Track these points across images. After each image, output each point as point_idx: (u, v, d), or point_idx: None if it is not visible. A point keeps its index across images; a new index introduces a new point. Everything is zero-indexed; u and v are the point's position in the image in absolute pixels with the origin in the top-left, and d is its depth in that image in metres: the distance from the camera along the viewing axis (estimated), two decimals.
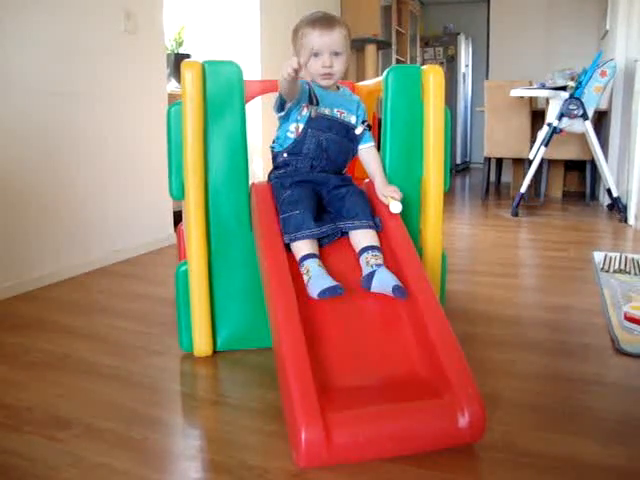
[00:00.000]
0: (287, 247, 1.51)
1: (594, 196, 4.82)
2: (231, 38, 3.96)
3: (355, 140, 1.71)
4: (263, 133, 4.00)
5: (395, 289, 1.38)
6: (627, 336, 1.78)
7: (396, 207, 1.56)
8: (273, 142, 1.73)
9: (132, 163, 2.93)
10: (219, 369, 1.63)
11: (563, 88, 4.09)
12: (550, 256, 2.96)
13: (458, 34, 7.59)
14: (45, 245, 2.47)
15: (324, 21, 1.60)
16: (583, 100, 3.94)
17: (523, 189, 4.14)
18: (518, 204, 4.11)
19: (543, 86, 4.32)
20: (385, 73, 1.70)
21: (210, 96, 1.57)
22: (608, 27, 4.98)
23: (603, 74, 3.95)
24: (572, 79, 4.14)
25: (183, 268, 1.65)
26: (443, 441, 1.16)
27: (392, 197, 1.58)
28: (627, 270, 2.53)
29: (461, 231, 3.76)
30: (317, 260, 1.47)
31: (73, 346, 1.78)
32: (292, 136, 1.64)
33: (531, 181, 4.21)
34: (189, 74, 1.53)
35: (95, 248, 2.71)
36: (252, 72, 3.89)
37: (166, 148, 1.65)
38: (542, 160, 4.26)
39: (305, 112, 1.62)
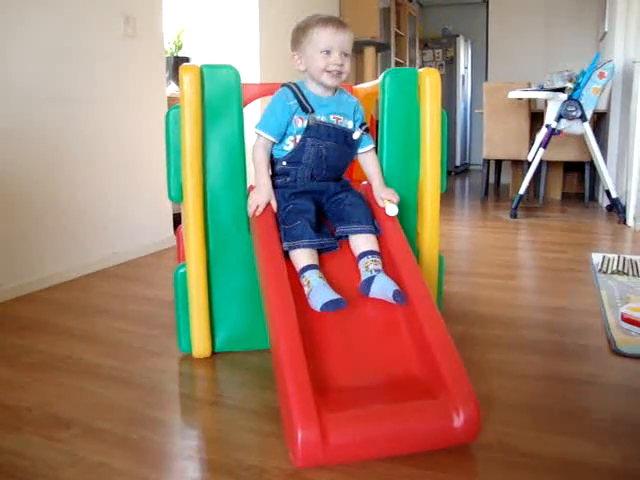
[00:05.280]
0: (285, 254, 1.51)
1: (593, 197, 4.83)
2: (230, 41, 3.97)
3: (354, 145, 1.69)
4: None
5: (395, 294, 1.38)
6: (624, 337, 1.79)
7: (392, 210, 1.57)
8: None
9: (132, 166, 2.95)
10: (217, 370, 1.64)
11: (561, 90, 4.10)
12: (548, 257, 2.97)
13: (457, 36, 7.60)
14: (45, 247, 2.48)
15: (335, 21, 1.59)
16: (581, 102, 3.95)
17: (522, 191, 4.14)
18: (517, 206, 4.11)
19: (541, 88, 4.33)
20: (382, 76, 1.71)
21: (208, 99, 1.59)
22: (606, 29, 4.99)
23: (601, 75, 3.96)
24: (570, 81, 4.15)
25: (182, 270, 1.66)
26: (438, 441, 1.17)
27: (389, 200, 1.59)
28: (625, 271, 2.54)
29: (460, 233, 3.77)
30: (317, 271, 1.46)
31: (73, 347, 1.80)
32: (289, 148, 1.64)
33: (530, 183, 4.22)
34: (187, 78, 1.55)
35: (95, 250, 2.73)
36: (251, 75, 3.90)
37: (165, 151, 1.66)
38: (541, 162, 4.27)
39: (301, 124, 1.61)
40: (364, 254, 1.51)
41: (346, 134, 1.66)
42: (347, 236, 1.57)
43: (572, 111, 3.95)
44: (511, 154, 4.94)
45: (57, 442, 1.26)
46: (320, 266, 1.50)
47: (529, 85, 4.72)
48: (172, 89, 3.50)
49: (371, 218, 1.58)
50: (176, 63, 3.54)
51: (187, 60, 3.71)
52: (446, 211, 4.36)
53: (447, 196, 5.30)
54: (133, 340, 1.85)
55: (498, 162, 5.66)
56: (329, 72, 1.58)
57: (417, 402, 1.19)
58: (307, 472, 1.14)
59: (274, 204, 1.60)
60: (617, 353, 1.69)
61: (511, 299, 2.26)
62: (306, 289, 1.43)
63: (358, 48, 5.27)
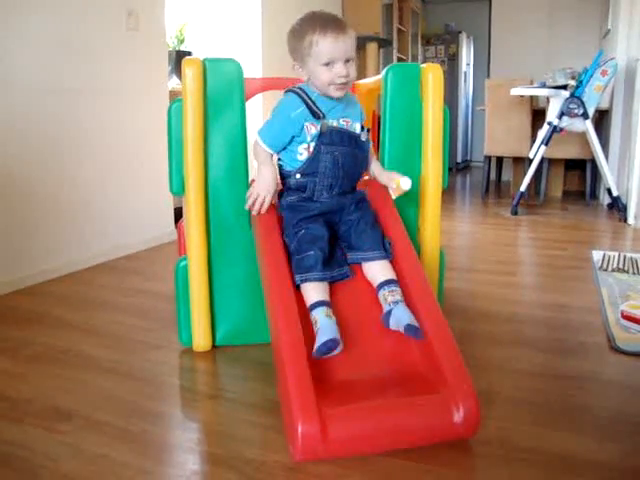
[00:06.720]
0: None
1: (594, 195, 4.82)
2: (232, 35, 3.97)
3: (364, 148, 1.58)
4: None
5: (407, 329, 1.31)
6: (624, 334, 1.79)
7: (407, 183, 1.51)
8: (279, 159, 1.59)
9: (133, 159, 2.95)
10: (218, 364, 1.65)
11: (564, 87, 4.09)
12: (549, 255, 2.97)
13: (459, 32, 7.58)
14: (46, 240, 2.48)
15: (335, 25, 1.42)
16: (584, 99, 3.94)
17: (523, 188, 4.14)
18: (518, 203, 4.11)
19: (544, 85, 4.32)
20: (384, 71, 1.71)
21: (210, 93, 1.59)
22: (610, 26, 4.98)
23: (604, 73, 3.96)
24: (573, 78, 4.14)
25: (183, 263, 1.67)
26: (438, 436, 1.18)
27: (397, 180, 1.53)
28: (625, 269, 2.54)
29: (461, 229, 3.77)
30: (325, 308, 1.37)
31: (74, 340, 1.80)
32: (302, 157, 1.52)
33: (531, 180, 4.22)
34: (190, 71, 1.55)
35: (96, 244, 2.73)
36: (253, 70, 3.90)
37: (167, 144, 1.66)
38: (542, 159, 4.26)
39: (314, 131, 1.50)
40: (381, 285, 1.43)
41: (356, 138, 1.55)
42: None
43: (574, 108, 3.94)
44: (512, 151, 4.93)
45: (58, 434, 1.26)
46: (332, 292, 1.45)
47: (531, 82, 4.70)
48: (174, 83, 3.49)
49: (382, 240, 1.50)
50: (178, 57, 3.53)
51: (189, 54, 3.70)
52: (447, 207, 4.35)
53: (448, 192, 5.29)
54: (134, 333, 1.85)
55: (499, 159, 5.65)
56: (335, 84, 1.46)
57: (417, 397, 1.19)
58: (307, 466, 1.14)
59: (269, 199, 1.53)
60: (617, 350, 1.70)
61: (512, 296, 2.26)
62: (315, 327, 1.35)
63: (360, 44, 5.26)
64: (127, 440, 1.24)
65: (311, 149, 1.51)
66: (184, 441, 1.27)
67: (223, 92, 1.60)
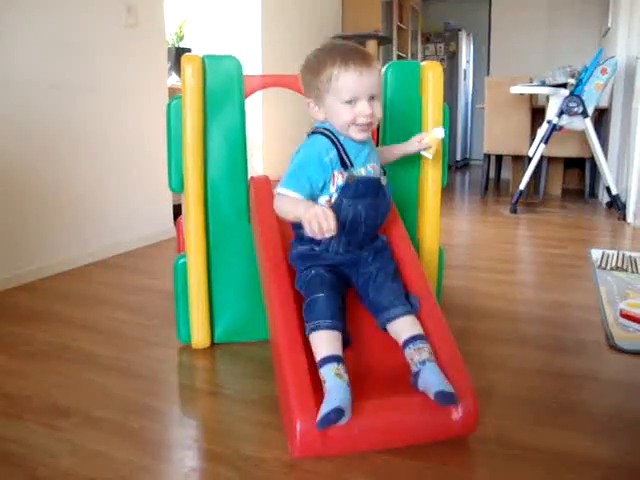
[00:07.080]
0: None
1: (593, 194, 4.83)
2: (232, 33, 3.96)
3: (386, 194, 1.40)
4: (263, 128, 4.01)
5: (438, 396, 1.13)
6: (622, 333, 1.79)
7: (440, 131, 1.49)
8: None
9: (132, 156, 2.95)
10: (216, 361, 1.65)
11: (563, 85, 4.09)
12: (548, 253, 2.97)
13: (459, 30, 7.58)
14: (45, 237, 2.48)
15: (358, 58, 1.27)
16: (583, 97, 3.94)
17: (522, 186, 4.14)
18: (517, 201, 4.11)
19: (543, 83, 4.32)
20: (384, 69, 1.70)
21: (210, 90, 1.58)
22: (610, 24, 4.97)
23: (604, 71, 3.95)
24: (572, 76, 4.14)
25: (182, 260, 1.67)
26: (437, 433, 1.18)
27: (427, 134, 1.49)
28: (624, 268, 2.54)
29: (460, 227, 3.77)
30: (336, 365, 1.19)
31: (72, 337, 1.80)
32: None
33: (530, 178, 4.22)
34: (189, 68, 1.54)
35: (95, 240, 2.73)
36: (252, 67, 3.90)
37: (166, 141, 1.66)
38: (541, 157, 4.26)
39: (340, 182, 1.32)
40: (406, 343, 1.27)
41: (380, 185, 1.38)
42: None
43: (574, 107, 3.94)
44: (512, 149, 4.94)
45: (57, 431, 1.26)
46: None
47: (531, 80, 4.70)
48: (173, 80, 3.49)
49: (405, 292, 1.35)
50: (177, 54, 3.53)
51: (189, 51, 3.70)
52: (446, 205, 4.35)
53: (447, 190, 5.29)
54: (132, 330, 1.85)
55: (499, 157, 5.65)
56: (357, 125, 1.30)
57: (416, 395, 1.19)
58: (305, 463, 1.14)
59: (330, 211, 1.21)
60: (615, 349, 1.70)
61: (510, 294, 2.26)
62: (323, 386, 1.18)
63: (360, 41, 5.26)
64: (125, 437, 1.24)
65: (332, 201, 1.33)
66: (182, 438, 1.27)
67: (223, 89, 1.60)
